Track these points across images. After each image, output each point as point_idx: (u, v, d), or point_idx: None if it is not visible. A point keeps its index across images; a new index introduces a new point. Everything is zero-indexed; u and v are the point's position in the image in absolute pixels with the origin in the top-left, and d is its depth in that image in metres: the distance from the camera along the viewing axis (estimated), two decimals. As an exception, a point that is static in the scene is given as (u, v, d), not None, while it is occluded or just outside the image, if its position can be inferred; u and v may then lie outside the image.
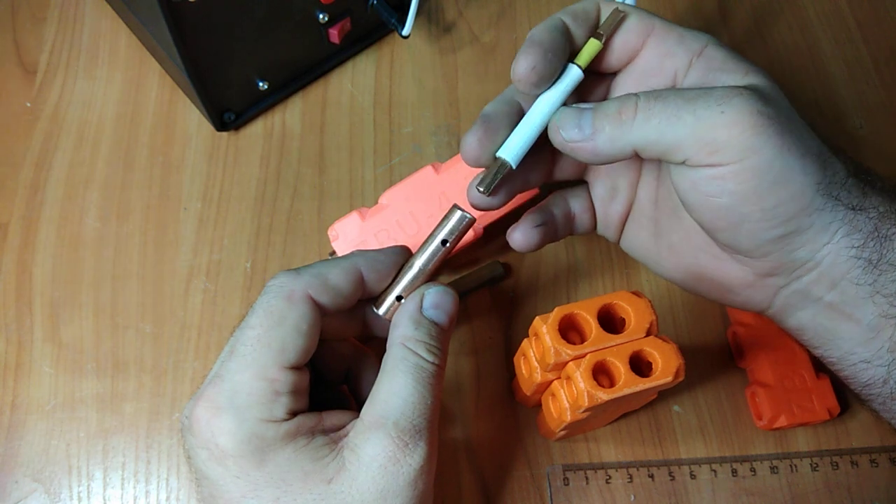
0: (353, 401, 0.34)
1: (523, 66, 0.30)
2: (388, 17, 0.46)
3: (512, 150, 0.32)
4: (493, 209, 0.34)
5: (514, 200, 0.35)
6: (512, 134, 0.32)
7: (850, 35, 0.52)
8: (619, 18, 0.31)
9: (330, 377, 0.34)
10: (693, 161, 0.29)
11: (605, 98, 0.34)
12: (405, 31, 0.45)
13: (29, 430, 0.39)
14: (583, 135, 0.30)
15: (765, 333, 0.40)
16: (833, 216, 0.29)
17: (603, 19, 0.32)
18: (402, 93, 0.49)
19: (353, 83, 0.49)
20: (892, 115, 0.49)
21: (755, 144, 0.27)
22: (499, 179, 0.32)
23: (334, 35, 0.46)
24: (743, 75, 0.30)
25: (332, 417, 0.29)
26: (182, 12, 0.37)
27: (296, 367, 0.28)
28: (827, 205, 0.29)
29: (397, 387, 0.28)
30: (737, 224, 0.29)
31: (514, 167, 0.32)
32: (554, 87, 0.31)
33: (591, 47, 0.31)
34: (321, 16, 0.44)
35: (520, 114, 0.32)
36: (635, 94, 0.30)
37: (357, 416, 0.29)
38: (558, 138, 0.31)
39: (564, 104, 0.32)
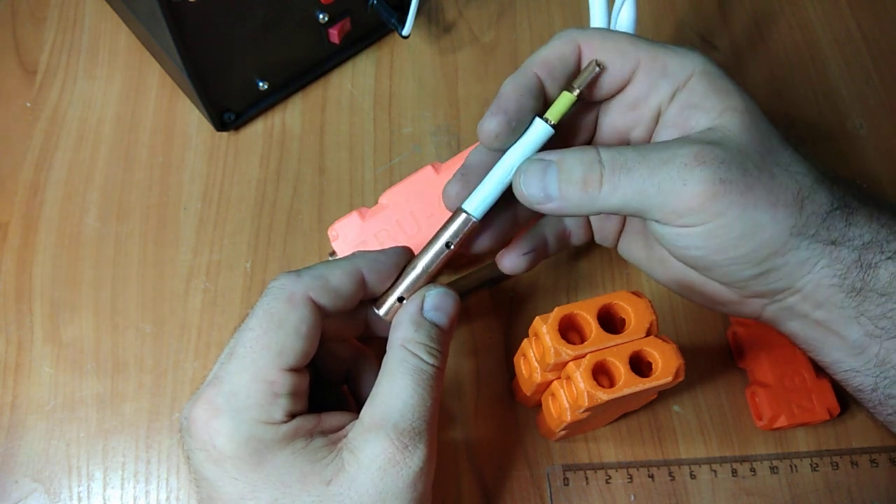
0: (352, 401, 0.34)
1: (486, 131, 0.30)
2: (388, 17, 0.46)
3: (477, 205, 0.31)
4: (484, 252, 0.34)
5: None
6: (477, 188, 0.31)
7: (850, 35, 0.52)
8: (594, 73, 0.30)
9: (330, 377, 0.34)
10: (662, 221, 0.29)
11: (594, 124, 0.34)
12: (405, 31, 0.45)
13: (29, 430, 0.39)
14: (548, 198, 0.30)
15: (765, 333, 0.39)
16: (810, 252, 0.29)
17: (584, 63, 0.31)
18: (402, 93, 0.49)
19: (353, 83, 0.49)
20: (892, 115, 0.49)
21: (718, 210, 0.28)
22: (464, 232, 0.31)
23: (334, 35, 0.46)
24: (717, 115, 0.29)
25: (331, 419, 0.29)
26: (182, 12, 0.37)
27: (295, 369, 0.28)
28: (803, 243, 0.29)
29: (397, 389, 0.28)
30: (710, 268, 0.30)
31: (477, 220, 0.31)
32: (521, 142, 0.31)
33: (563, 101, 0.30)
34: (321, 16, 0.44)
35: None
36: (599, 160, 0.29)
37: (356, 417, 0.29)
38: (523, 198, 0.31)
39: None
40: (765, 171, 0.29)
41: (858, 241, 0.29)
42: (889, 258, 0.29)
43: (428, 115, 0.48)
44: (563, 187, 0.29)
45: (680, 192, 0.28)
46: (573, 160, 0.29)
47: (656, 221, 0.29)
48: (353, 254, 0.32)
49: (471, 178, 0.32)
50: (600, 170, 0.29)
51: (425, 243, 0.32)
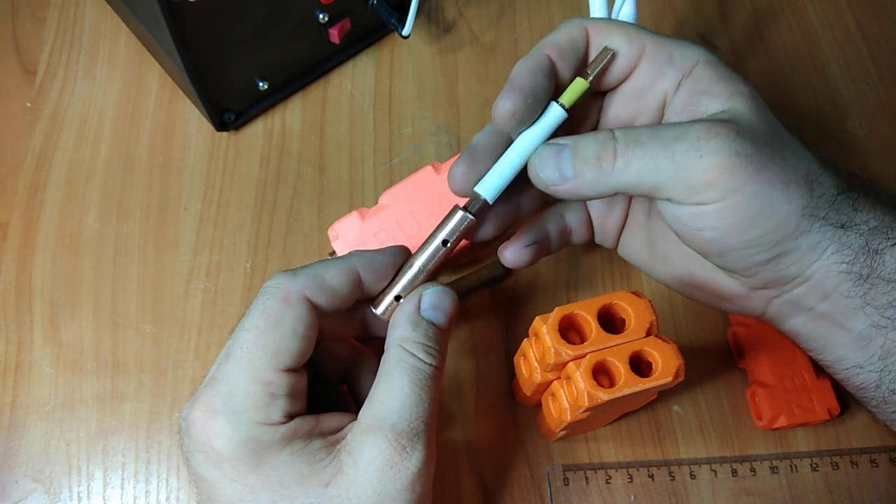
0: (351, 401, 0.34)
1: (502, 110, 0.30)
2: (388, 17, 0.46)
3: (489, 186, 0.31)
4: (486, 239, 0.34)
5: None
6: (491, 170, 0.32)
7: (850, 35, 0.52)
8: (608, 58, 0.31)
9: (328, 377, 0.34)
10: (676, 200, 0.29)
11: (598, 116, 0.34)
12: (405, 31, 0.45)
13: (29, 430, 0.39)
14: (563, 178, 0.30)
15: (765, 334, 0.39)
16: (821, 236, 0.29)
17: (592, 48, 0.32)
18: (402, 93, 0.49)
19: (353, 83, 0.49)
20: (892, 115, 0.49)
21: (734, 185, 0.28)
22: (461, 230, 0.32)
23: (334, 35, 0.46)
24: (726, 99, 0.30)
25: (330, 420, 0.29)
26: (182, 12, 0.37)
27: (292, 370, 0.28)
28: (814, 226, 0.29)
29: (394, 389, 0.28)
30: (723, 252, 0.30)
31: (490, 202, 0.32)
32: (536, 125, 0.31)
33: (578, 87, 0.31)
34: (321, 16, 0.44)
35: (506, 144, 0.32)
36: (613, 136, 0.29)
37: (355, 418, 0.29)
38: (538, 181, 0.31)
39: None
40: (776, 150, 0.29)
41: (865, 227, 0.29)
42: (894, 244, 0.29)
43: (428, 115, 0.48)
44: (577, 166, 0.30)
45: (695, 166, 0.28)
46: (587, 141, 0.30)
47: (669, 201, 0.29)
48: (350, 253, 0.32)
49: (477, 158, 0.32)
50: (614, 145, 0.29)
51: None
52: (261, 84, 0.45)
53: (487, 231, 0.33)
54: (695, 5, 0.53)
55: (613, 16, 0.41)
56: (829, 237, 0.29)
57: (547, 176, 0.30)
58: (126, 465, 0.38)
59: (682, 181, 0.28)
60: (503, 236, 0.35)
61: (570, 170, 0.30)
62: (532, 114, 0.31)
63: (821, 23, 0.52)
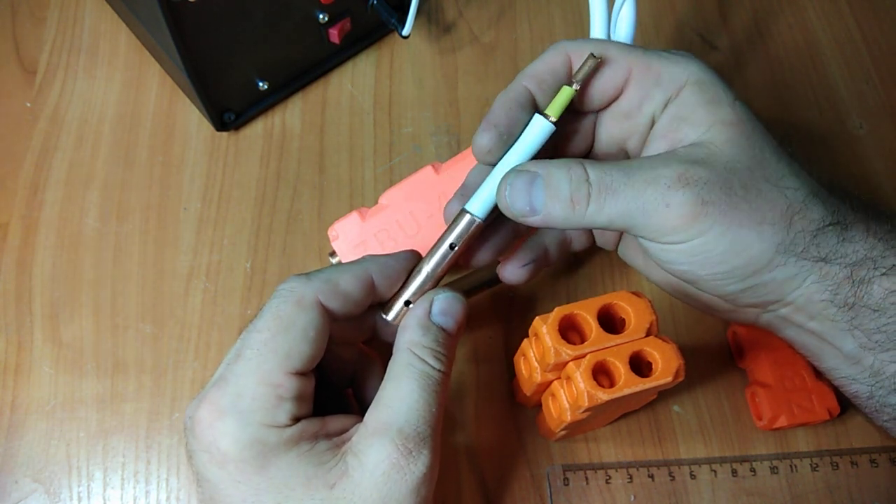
0: (355, 405, 0.34)
1: (478, 146, 0.31)
2: (388, 17, 0.46)
3: (479, 205, 0.31)
4: (484, 264, 0.34)
5: None
6: (480, 188, 0.31)
7: (850, 35, 0.52)
8: (594, 65, 0.30)
9: (334, 381, 0.33)
10: (647, 238, 0.29)
11: (592, 134, 0.34)
12: (405, 31, 0.45)
13: (29, 430, 0.39)
14: (533, 211, 0.30)
15: (765, 334, 0.39)
16: (798, 268, 0.29)
17: (576, 66, 0.31)
18: (402, 93, 0.49)
19: (353, 83, 0.49)
20: (892, 115, 0.49)
21: (701, 229, 0.28)
22: (469, 233, 0.31)
23: (334, 35, 0.46)
24: (707, 128, 0.29)
25: (335, 422, 0.29)
26: (182, 12, 0.37)
27: (301, 373, 0.28)
28: (790, 260, 0.29)
29: (403, 393, 0.28)
30: (696, 280, 0.30)
31: (481, 220, 0.31)
32: (523, 140, 0.31)
33: (564, 95, 0.30)
34: (321, 16, 0.44)
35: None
36: (587, 179, 0.29)
37: (360, 421, 0.29)
38: (507, 211, 0.30)
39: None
40: (752, 188, 0.29)
41: (851, 258, 0.29)
42: (883, 274, 0.29)
43: (428, 115, 0.48)
44: (549, 203, 0.29)
45: (663, 213, 0.28)
46: (560, 176, 0.29)
47: (641, 237, 0.30)
48: (363, 258, 0.31)
49: (470, 196, 0.32)
50: (587, 189, 0.29)
51: (426, 243, 0.32)
52: (261, 84, 0.45)
53: (485, 256, 0.34)
54: (695, 5, 0.53)
55: (613, 15, 0.40)
56: (808, 269, 0.29)
57: (517, 208, 0.30)
58: (126, 465, 0.38)
59: (650, 226, 0.29)
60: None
61: (542, 205, 0.30)
62: (508, 148, 0.31)
63: (821, 23, 0.52)
